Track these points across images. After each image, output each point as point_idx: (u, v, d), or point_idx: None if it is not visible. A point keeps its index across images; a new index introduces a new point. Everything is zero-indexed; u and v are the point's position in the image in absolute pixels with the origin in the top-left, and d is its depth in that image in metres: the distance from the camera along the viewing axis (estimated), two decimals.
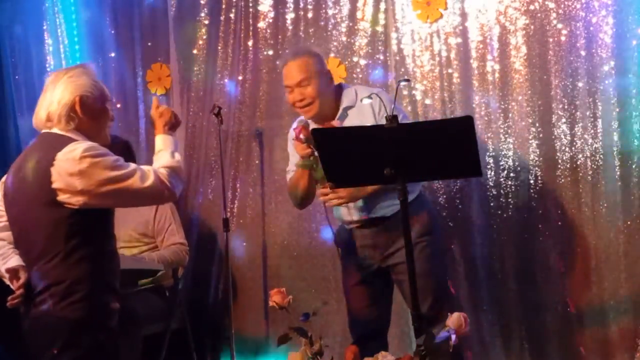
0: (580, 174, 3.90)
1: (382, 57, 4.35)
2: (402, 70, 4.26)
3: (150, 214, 4.23)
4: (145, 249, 4.20)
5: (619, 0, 3.83)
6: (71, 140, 2.63)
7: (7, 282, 2.74)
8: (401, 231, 3.25)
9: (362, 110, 3.38)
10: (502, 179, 4.05)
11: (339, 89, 3.50)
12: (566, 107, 3.94)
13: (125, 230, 4.21)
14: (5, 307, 2.73)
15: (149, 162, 4.88)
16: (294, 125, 3.43)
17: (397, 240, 3.33)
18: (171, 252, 4.19)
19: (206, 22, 4.81)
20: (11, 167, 2.77)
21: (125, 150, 4.36)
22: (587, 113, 3.89)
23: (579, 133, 3.91)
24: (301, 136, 3.24)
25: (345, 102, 3.43)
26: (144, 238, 4.23)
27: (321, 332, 2.81)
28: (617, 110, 3.83)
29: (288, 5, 4.58)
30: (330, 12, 4.47)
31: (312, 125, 3.34)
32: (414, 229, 3.25)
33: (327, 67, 3.55)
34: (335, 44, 4.45)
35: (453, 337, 2.71)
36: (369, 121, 3.32)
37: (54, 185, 2.54)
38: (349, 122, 3.39)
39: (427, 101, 4.24)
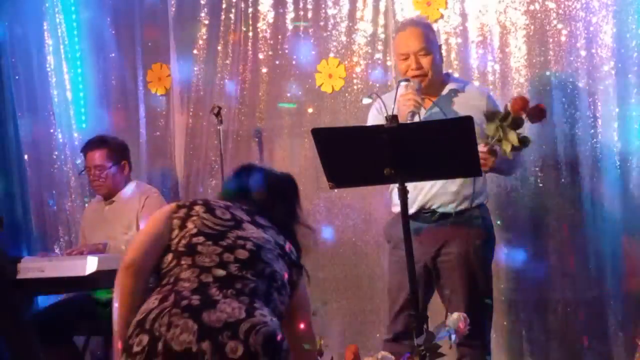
0: (580, 174, 3.90)
1: (381, 58, 4.34)
2: None
3: (135, 212, 4.21)
4: None
5: (619, 0, 3.83)
6: None
7: None
8: (455, 233, 3.26)
9: (469, 101, 3.27)
10: (502, 179, 4.04)
11: (447, 75, 3.45)
12: (566, 107, 3.94)
13: (113, 229, 4.21)
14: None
15: (149, 162, 4.95)
16: (402, 84, 3.23)
17: (448, 242, 3.27)
18: None
19: (206, 22, 4.81)
20: None
21: (122, 150, 4.36)
22: (587, 113, 3.89)
23: (579, 133, 3.91)
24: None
25: (453, 85, 3.35)
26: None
27: (321, 332, 2.81)
28: (617, 110, 3.83)
29: (288, 5, 4.57)
30: (330, 12, 4.47)
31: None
32: (471, 235, 3.24)
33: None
34: (335, 44, 4.45)
35: (453, 337, 2.71)
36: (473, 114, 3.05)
37: None
38: (455, 105, 3.30)
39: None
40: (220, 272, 2.05)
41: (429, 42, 3.31)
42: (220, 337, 1.88)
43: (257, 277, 2.08)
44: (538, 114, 2.97)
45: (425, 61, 3.28)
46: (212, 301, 1.95)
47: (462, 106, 3.27)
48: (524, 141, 2.96)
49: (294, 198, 2.58)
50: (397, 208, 3.29)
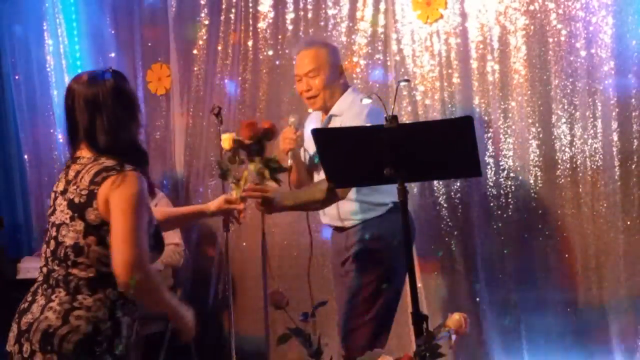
0: (580, 174, 3.91)
1: (382, 58, 4.35)
2: (402, 70, 4.26)
3: None
4: None
5: (618, 0, 3.83)
6: None
7: None
8: (352, 242, 3.37)
9: (344, 123, 3.27)
10: (502, 179, 4.05)
11: (345, 89, 3.42)
12: (566, 107, 3.94)
13: None
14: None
15: (149, 162, 4.94)
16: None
17: (348, 249, 3.39)
18: (165, 254, 4.16)
19: (206, 22, 4.81)
20: None
21: None
22: (587, 113, 3.89)
23: (578, 133, 3.91)
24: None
25: (335, 109, 3.37)
26: None
27: (321, 332, 2.81)
28: (617, 110, 3.83)
29: (288, 5, 4.58)
30: (330, 12, 4.47)
31: (318, 115, 3.48)
32: (362, 242, 3.33)
33: (340, 60, 3.50)
34: (335, 44, 4.44)
35: (453, 337, 2.71)
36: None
37: None
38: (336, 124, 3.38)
39: (427, 101, 4.24)
40: (44, 270, 2.41)
41: (319, 63, 3.34)
42: (22, 339, 2.33)
43: (59, 264, 2.36)
44: (268, 132, 3.07)
45: (314, 83, 3.34)
46: (32, 301, 2.37)
47: (341, 119, 3.31)
48: (276, 167, 3.08)
49: (113, 100, 2.36)
50: (325, 219, 3.50)
